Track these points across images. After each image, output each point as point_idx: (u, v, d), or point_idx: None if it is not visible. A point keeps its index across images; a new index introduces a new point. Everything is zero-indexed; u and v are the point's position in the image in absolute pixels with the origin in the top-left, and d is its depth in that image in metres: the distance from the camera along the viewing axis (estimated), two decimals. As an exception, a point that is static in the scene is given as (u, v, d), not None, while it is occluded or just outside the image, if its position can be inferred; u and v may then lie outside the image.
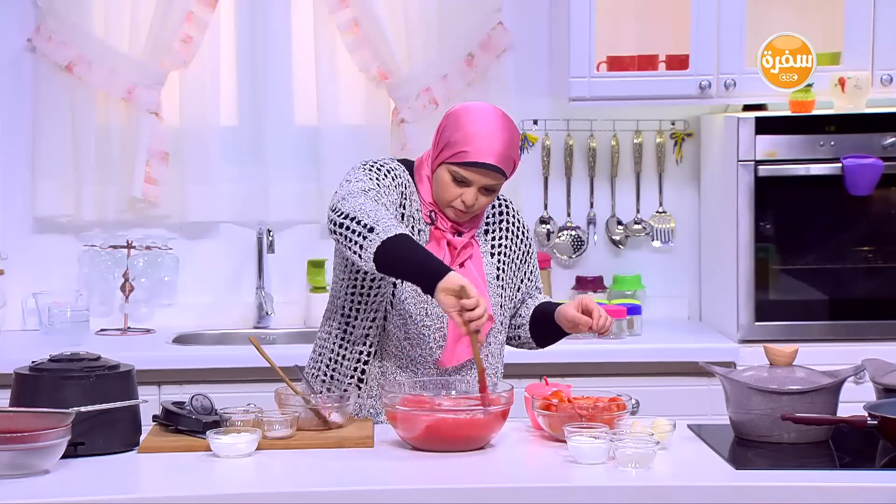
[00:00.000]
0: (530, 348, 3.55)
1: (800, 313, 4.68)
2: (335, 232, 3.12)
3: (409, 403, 3.08)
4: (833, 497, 2.81)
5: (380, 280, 3.31)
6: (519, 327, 3.50)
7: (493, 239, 3.45)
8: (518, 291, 3.49)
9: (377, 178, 3.27)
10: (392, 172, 3.32)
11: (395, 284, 3.31)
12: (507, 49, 5.07)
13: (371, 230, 3.05)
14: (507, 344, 3.53)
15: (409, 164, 3.41)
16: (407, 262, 3.05)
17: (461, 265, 3.34)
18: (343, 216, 3.10)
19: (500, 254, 3.45)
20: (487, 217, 3.46)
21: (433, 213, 3.34)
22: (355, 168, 3.31)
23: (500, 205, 3.50)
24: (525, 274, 3.51)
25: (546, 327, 3.45)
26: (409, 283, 3.24)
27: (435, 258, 3.09)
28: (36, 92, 5.01)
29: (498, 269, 3.43)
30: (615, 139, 5.15)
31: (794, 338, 4.49)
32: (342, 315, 3.39)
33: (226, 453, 3.00)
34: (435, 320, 3.32)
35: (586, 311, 3.30)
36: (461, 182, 3.27)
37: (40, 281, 5.00)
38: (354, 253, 3.08)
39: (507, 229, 3.48)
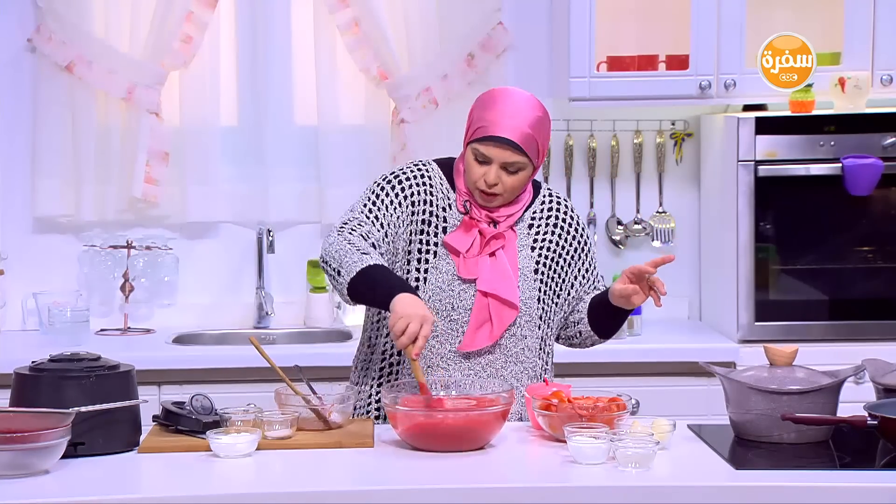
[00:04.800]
0: (593, 343, 3.52)
1: (800, 313, 4.68)
2: (324, 271, 3.34)
3: (409, 403, 3.09)
4: (833, 497, 2.81)
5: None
6: (578, 323, 3.48)
7: (538, 234, 3.45)
8: (572, 289, 3.47)
9: (375, 197, 3.37)
10: (405, 181, 3.39)
11: (417, 287, 3.35)
12: (507, 49, 5.07)
13: (338, 273, 3.25)
14: (569, 344, 3.53)
15: (448, 162, 3.46)
16: (370, 294, 3.24)
17: (491, 255, 3.35)
18: (322, 260, 3.33)
19: (542, 248, 3.44)
20: (535, 212, 3.45)
21: (467, 203, 3.37)
22: (369, 185, 3.43)
23: (550, 200, 3.49)
24: (579, 271, 3.48)
25: (603, 313, 3.45)
26: (435, 280, 3.33)
27: (392, 282, 3.21)
28: (36, 92, 5.01)
29: (538, 262, 3.42)
30: (615, 139, 5.15)
31: (794, 338, 4.49)
32: (371, 323, 3.46)
33: (226, 453, 3.00)
34: (462, 313, 3.34)
35: (637, 278, 3.32)
36: (483, 161, 3.30)
37: (40, 281, 5.00)
38: (335, 290, 3.32)
39: (555, 225, 3.46)
